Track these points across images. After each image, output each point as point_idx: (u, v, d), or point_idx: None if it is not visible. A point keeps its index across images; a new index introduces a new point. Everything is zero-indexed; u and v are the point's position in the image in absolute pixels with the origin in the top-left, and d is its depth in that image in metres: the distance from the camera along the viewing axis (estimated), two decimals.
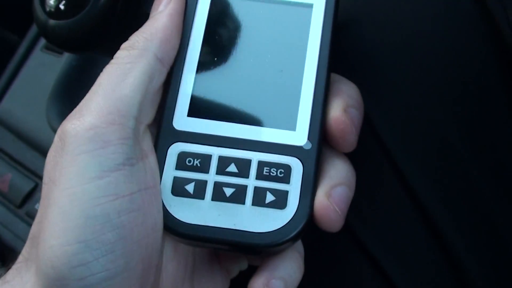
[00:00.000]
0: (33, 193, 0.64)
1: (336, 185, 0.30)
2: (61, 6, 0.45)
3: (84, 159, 0.28)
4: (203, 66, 0.32)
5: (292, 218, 0.29)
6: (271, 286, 0.29)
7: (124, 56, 0.31)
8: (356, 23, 0.35)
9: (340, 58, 0.33)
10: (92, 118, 0.29)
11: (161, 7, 0.32)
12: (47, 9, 0.46)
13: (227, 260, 0.33)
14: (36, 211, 0.62)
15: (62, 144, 0.29)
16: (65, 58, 0.69)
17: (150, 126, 0.31)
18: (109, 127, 0.28)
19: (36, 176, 0.65)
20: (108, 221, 0.27)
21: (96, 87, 0.30)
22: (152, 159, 0.30)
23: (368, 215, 0.35)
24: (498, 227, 0.34)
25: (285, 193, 0.30)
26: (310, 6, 0.32)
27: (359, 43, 0.35)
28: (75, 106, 0.31)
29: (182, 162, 0.30)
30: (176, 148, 0.30)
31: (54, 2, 0.45)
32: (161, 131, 0.31)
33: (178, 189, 0.30)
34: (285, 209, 0.29)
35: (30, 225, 0.63)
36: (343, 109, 0.30)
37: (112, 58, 0.32)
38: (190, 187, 0.30)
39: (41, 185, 0.66)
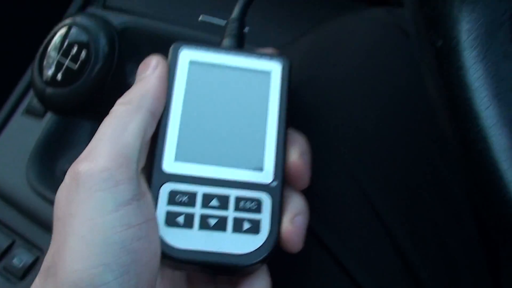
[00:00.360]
0: (10, 249, 0.67)
1: (297, 215, 0.36)
2: (59, 76, 0.50)
3: (102, 195, 0.32)
4: (185, 119, 0.38)
5: (265, 241, 0.35)
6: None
7: (123, 111, 0.36)
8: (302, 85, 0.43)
9: (292, 113, 0.40)
10: (104, 161, 0.33)
11: (149, 71, 0.37)
12: (45, 78, 0.50)
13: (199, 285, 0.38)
14: (15, 268, 0.65)
15: (77, 183, 0.33)
16: (45, 122, 0.72)
17: (143, 170, 0.36)
18: (118, 169, 0.33)
19: (14, 233, 0.68)
20: (124, 247, 0.32)
21: (100, 136, 0.35)
22: (148, 196, 0.35)
23: (333, 223, 0.41)
24: (448, 245, 0.41)
25: (258, 221, 0.36)
26: (269, 72, 0.39)
27: (305, 101, 0.43)
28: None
29: (173, 199, 0.36)
30: (167, 188, 0.36)
31: (52, 72, 0.50)
32: (154, 173, 0.36)
33: (171, 221, 0.35)
34: (259, 234, 0.36)
35: (8, 279, 0.66)
36: (299, 155, 0.37)
37: (98, 122, 0.37)
38: (180, 219, 0.35)
39: (18, 242, 0.69)
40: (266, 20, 0.69)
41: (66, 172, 0.34)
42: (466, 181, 0.28)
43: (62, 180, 0.34)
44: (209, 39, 0.67)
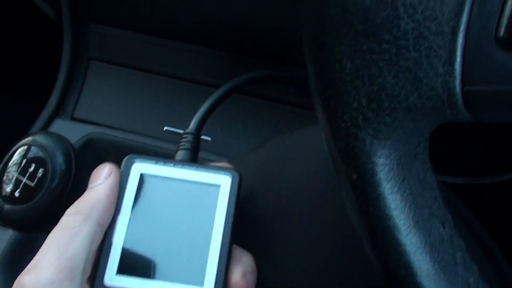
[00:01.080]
0: None
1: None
2: (16, 193, 0.50)
3: None
4: (130, 232, 0.38)
5: None
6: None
7: (71, 221, 0.36)
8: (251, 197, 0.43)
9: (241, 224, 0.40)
10: (49, 274, 0.33)
11: (100, 180, 0.38)
12: (3, 194, 0.51)
13: None
14: None
15: None
16: (11, 232, 0.72)
17: (88, 279, 0.36)
18: (63, 282, 0.33)
19: None
20: None
21: (47, 247, 0.35)
22: None
23: None
24: None
25: None
26: (218, 186, 0.39)
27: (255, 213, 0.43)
28: None
29: None
30: None
31: (11, 189, 0.50)
32: (96, 285, 0.37)
33: None
34: None
35: None
36: (242, 275, 0.37)
37: None
38: None
39: None
40: (227, 130, 0.70)
41: None
42: None
43: None
44: (172, 149, 0.68)
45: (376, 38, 0.25)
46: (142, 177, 0.39)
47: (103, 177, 0.38)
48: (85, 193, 0.38)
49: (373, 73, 0.25)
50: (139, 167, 0.40)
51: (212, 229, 0.38)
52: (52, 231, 0.36)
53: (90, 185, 0.38)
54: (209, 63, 0.71)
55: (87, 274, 0.36)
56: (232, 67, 0.71)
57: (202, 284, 0.37)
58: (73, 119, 0.78)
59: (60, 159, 0.50)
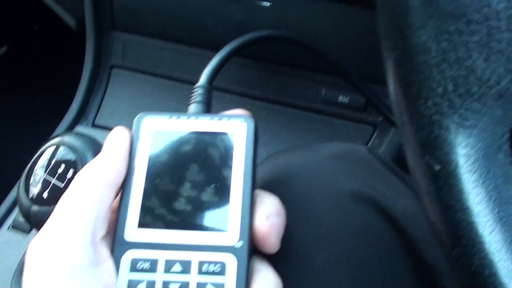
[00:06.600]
0: None
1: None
2: (45, 194, 0.47)
3: (55, 267, 0.31)
4: (147, 186, 0.36)
5: None
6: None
7: (79, 183, 0.35)
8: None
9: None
10: (57, 233, 0.32)
11: (111, 142, 0.37)
12: (31, 195, 0.48)
13: None
14: None
15: (33, 259, 0.32)
16: (32, 237, 0.69)
17: (104, 237, 0.34)
18: (71, 240, 0.32)
19: None
20: None
21: (56, 210, 0.34)
22: (110, 263, 0.33)
23: None
24: None
25: (222, 284, 0.33)
26: (233, 133, 0.37)
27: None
28: None
29: (134, 266, 0.34)
30: (129, 255, 0.34)
31: (38, 190, 0.48)
32: (116, 241, 0.34)
33: None
34: None
35: None
36: (265, 217, 0.34)
37: None
38: (142, 286, 0.33)
39: None
40: None
41: None
42: None
43: None
44: None
45: (464, 18, 0.22)
46: (153, 133, 0.38)
47: (113, 139, 0.37)
48: (95, 157, 0.37)
49: (461, 56, 0.22)
50: (151, 123, 0.38)
51: (232, 176, 0.36)
52: (63, 195, 0.35)
53: (102, 149, 0.37)
54: (232, 71, 0.69)
55: (102, 233, 0.34)
56: (258, 75, 0.69)
57: (226, 229, 0.34)
58: (94, 125, 0.75)
59: (90, 160, 0.47)
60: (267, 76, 0.68)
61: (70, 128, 0.75)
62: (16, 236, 0.70)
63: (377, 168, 0.45)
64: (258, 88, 0.69)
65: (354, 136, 0.65)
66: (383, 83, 0.63)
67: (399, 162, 0.46)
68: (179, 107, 0.72)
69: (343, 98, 0.65)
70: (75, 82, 0.77)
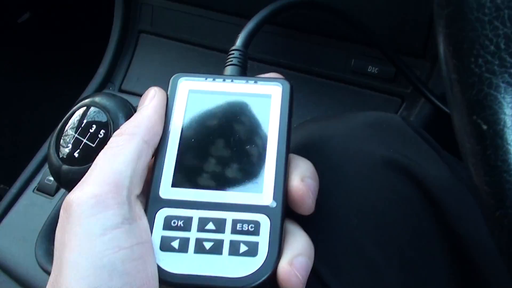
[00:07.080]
0: None
1: (297, 256, 0.33)
2: (76, 154, 0.47)
3: (90, 222, 0.32)
4: (183, 146, 0.36)
5: (263, 263, 0.33)
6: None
7: (115, 141, 0.36)
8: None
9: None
10: (93, 188, 0.33)
11: (146, 102, 0.37)
12: (61, 155, 0.48)
13: None
14: None
15: (68, 213, 0.33)
16: (56, 200, 0.70)
17: (139, 196, 0.35)
18: (107, 195, 0.32)
19: None
20: (114, 269, 0.30)
21: (93, 166, 0.35)
22: (144, 220, 0.34)
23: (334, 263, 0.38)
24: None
25: (256, 243, 0.33)
26: (269, 96, 0.38)
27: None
28: None
29: (168, 223, 0.34)
30: (163, 213, 0.34)
31: (69, 150, 0.48)
32: (150, 198, 0.35)
33: (166, 245, 0.33)
34: (256, 256, 0.33)
35: None
36: (301, 179, 0.34)
37: None
38: (175, 244, 0.33)
39: None
40: None
41: None
42: None
43: None
44: None
45: None
46: (190, 93, 0.38)
47: (148, 98, 0.37)
48: (131, 117, 0.38)
49: None
50: (186, 84, 0.38)
51: (267, 138, 0.36)
52: (100, 152, 0.35)
53: (138, 108, 0.38)
54: (263, 39, 0.68)
55: (137, 190, 0.34)
56: (286, 44, 0.68)
57: (261, 191, 0.34)
58: (121, 91, 0.75)
59: (122, 121, 0.47)
60: (296, 44, 0.67)
61: (97, 91, 0.74)
62: (41, 199, 0.71)
63: (411, 137, 0.44)
64: (287, 57, 0.68)
65: (382, 107, 0.64)
66: (413, 54, 0.62)
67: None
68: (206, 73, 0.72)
69: (372, 69, 0.64)
70: (103, 47, 0.76)
